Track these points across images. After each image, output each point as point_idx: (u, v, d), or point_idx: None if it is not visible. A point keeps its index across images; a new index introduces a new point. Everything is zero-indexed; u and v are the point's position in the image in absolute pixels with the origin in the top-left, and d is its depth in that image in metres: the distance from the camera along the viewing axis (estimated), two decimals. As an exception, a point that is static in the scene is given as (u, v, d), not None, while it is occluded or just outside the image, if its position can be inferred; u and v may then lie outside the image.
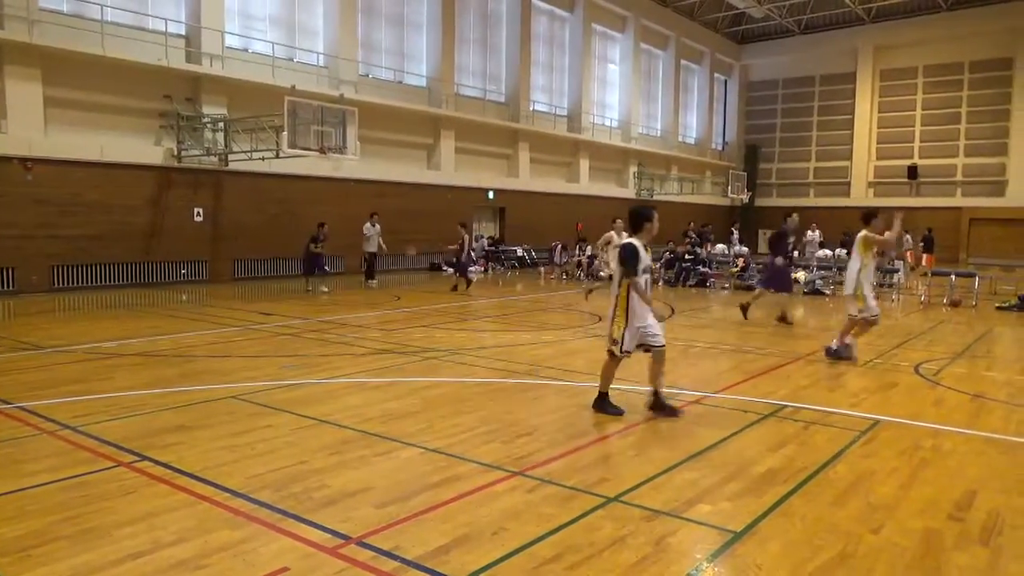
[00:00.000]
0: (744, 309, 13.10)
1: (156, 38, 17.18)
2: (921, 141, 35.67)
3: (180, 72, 17.45)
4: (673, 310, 14.61)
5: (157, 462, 4.92)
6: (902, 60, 35.94)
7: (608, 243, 13.47)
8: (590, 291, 15.94)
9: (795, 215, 12.84)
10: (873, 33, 36.08)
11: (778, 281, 12.72)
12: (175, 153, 17.44)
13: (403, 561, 3.54)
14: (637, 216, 6.46)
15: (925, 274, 19.22)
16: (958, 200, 34.13)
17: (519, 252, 24.75)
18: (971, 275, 17.22)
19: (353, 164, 19.05)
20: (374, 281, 18.19)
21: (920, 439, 5.85)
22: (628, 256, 6.17)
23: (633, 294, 6.18)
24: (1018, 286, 16.62)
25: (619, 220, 12.33)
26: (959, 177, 34.69)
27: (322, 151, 16.31)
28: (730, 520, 4.14)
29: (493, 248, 25.12)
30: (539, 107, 28.26)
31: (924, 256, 25.31)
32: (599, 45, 31.57)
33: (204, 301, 14.92)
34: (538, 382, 7.76)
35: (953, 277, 17.37)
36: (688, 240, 22.64)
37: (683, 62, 36.58)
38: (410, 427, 5.88)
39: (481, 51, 26.07)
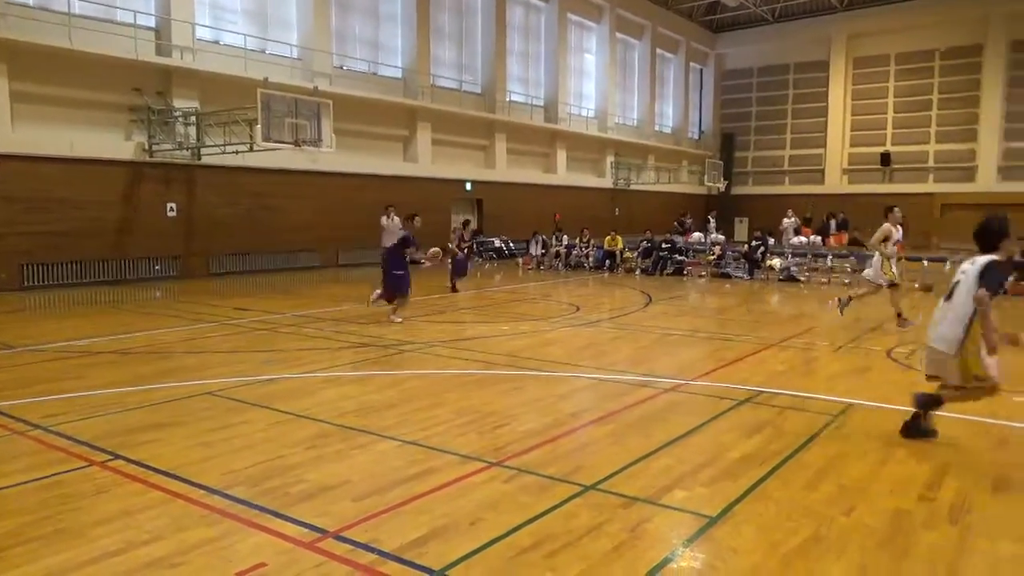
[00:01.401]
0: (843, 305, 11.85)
1: (125, 30, 16.89)
2: (893, 128, 36.06)
3: (150, 65, 17.19)
4: (651, 298, 14.69)
5: (131, 460, 4.87)
6: (874, 48, 36.27)
7: (887, 238, 11.00)
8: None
9: (896, 209, 11.96)
10: (846, 21, 36.37)
11: None
12: (146, 147, 17.20)
13: (381, 554, 3.55)
14: (994, 234, 5.20)
15: (913, 259, 19.37)
16: (930, 186, 34.59)
17: (497, 243, 24.74)
18: (942, 260, 17.47)
19: (329, 157, 18.91)
20: None
21: (892, 422, 5.93)
22: (996, 276, 5.05)
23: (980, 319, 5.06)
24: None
25: (897, 209, 11.35)
26: (931, 163, 35.14)
27: (297, 144, 16.15)
28: (706, 505, 4.19)
29: (475, 240, 25.09)
30: (515, 98, 28.21)
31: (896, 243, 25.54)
32: (575, 35, 31.55)
33: (178, 297, 14.76)
34: (516, 373, 7.77)
35: (925, 262, 17.63)
36: (679, 228, 22.79)
37: (659, 51, 36.66)
38: (387, 420, 5.87)
39: (456, 42, 25.95)
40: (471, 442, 5.31)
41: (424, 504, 4.16)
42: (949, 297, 5.24)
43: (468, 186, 25.46)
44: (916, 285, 16.35)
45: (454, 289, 15.51)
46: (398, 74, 23.73)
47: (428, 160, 24.16)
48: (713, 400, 6.58)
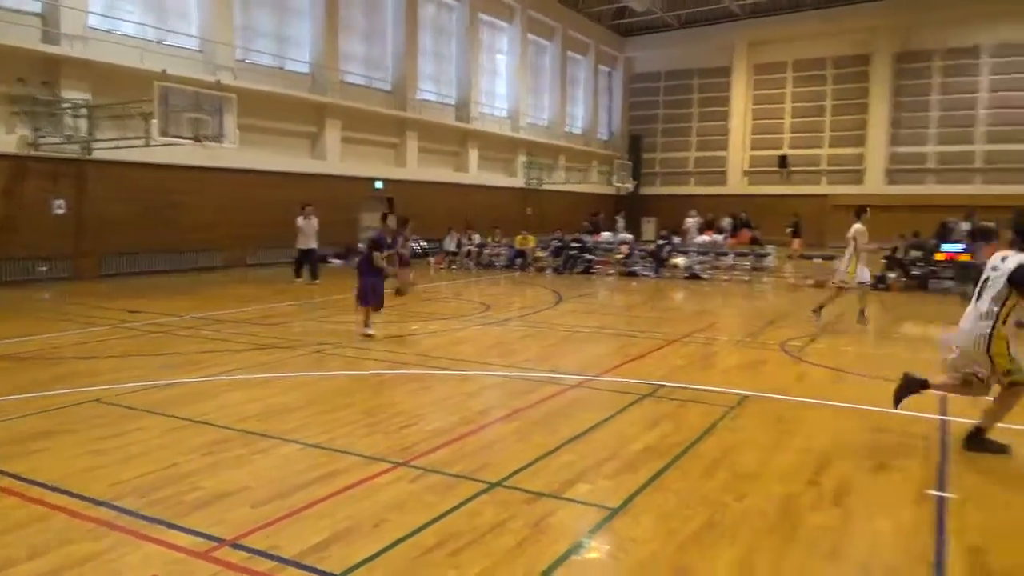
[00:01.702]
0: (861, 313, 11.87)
1: (7, 16, 15.81)
2: (791, 132, 37.80)
3: (34, 53, 16.13)
4: (560, 297, 14.90)
5: (7, 474, 4.57)
6: (773, 55, 37.90)
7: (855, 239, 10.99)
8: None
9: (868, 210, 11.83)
10: (747, 29, 37.87)
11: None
12: (31, 141, 16.14)
13: (280, 560, 3.46)
14: None
15: (791, 257, 20.41)
16: (823, 188, 36.43)
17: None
18: (832, 258, 18.46)
19: (233, 153, 18.24)
20: (317, 281, 16.33)
21: (783, 411, 6.24)
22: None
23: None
24: (874, 267, 17.92)
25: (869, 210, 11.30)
26: (824, 166, 37.02)
27: (198, 140, 15.51)
28: (608, 497, 4.29)
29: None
30: (427, 96, 28.03)
31: (795, 241, 26.97)
32: (487, 35, 31.61)
33: (68, 300, 13.93)
34: (425, 372, 7.74)
35: (819, 260, 18.60)
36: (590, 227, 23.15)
37: (569, 54, 37.19)
38: (291, 423, 5.73)
39: (366, 38, 25.54)
40: (377, 443, 5.26)
41: (327, 508, 4.09)
42: (978, 296, 5.17)
43: (379, 184, 25.12)
44: (810, 283, 17.21)
45: (399, 292, 14.28)
46: (306, 69, 23.16)
47: (337, 158, 23.70)
48: (617, 395, 6.74)
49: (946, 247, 16.03)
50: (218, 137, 15.77)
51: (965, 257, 16.37)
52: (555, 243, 21.33)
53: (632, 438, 5.42)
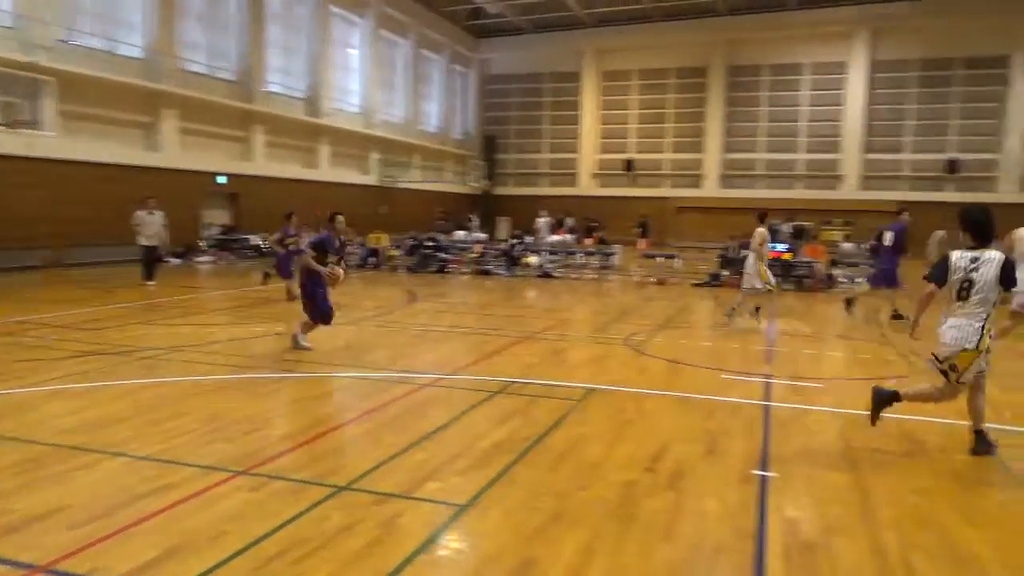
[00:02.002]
0: (849, 303, 13.03)
1: None
2: (637, 137, 39.70)
3: None
4: (414, 295, 14.83)
5: None
6: (620, 63, 39.64)
7: (762, 243, 11.41)
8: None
9: (905, 213, 13.13)
10: (596, 37, 39.33)
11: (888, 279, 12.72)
12: None
13: (102, 582, 3.21)
14: (987, 225, 5.19)
15: (639, 255, 21.45)
16: (666, 191, 38.58)
17: (254, 240, 23.39)
18: (673, 256, 19.61)
19: (54, 143, 16.68)
20: (152, 282, 15.00)
21: (626, 403, 6.55)
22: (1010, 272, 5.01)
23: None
24: (710, 265, 19.23)
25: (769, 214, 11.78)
26: (667, 170, 39.20)
27: (10, 126, 14.05)
28: (457, 494, 4.32)
29: (225, 236, 23.54)
30: (275, 88, 26.93)
31: (643, 240, 28.36)
32: (338, 29, 30.82)
33: None
34: (271, 376, 7.44)
35: (660, 259, 19.66)
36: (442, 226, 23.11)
37: (423, 52, 37.02)
38: (118, 435, 5.32)
39: (208, 24, 24.14)
40: (216, 451, 4.99)
41: (158, 523, 3.84)
42: (964, 296, 5.07)
43: (222, 179, 23.86)
44: (652, 280, 18.16)
45: (292, 296, 12.93)
46: (140, 54, 21.56)
47: (175, 150, 22.25)
48: (469, 393, 6.79)
49: (771, 246, 17.40)
50: (33, 124, 14.36)
51: (788, 256, 17.91)
52: (410, 242, 21.19)
53: (483, 435, 5.48)
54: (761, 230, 11.46)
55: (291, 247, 13.28)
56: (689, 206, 37.30)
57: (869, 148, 35.54)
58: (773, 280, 11.53)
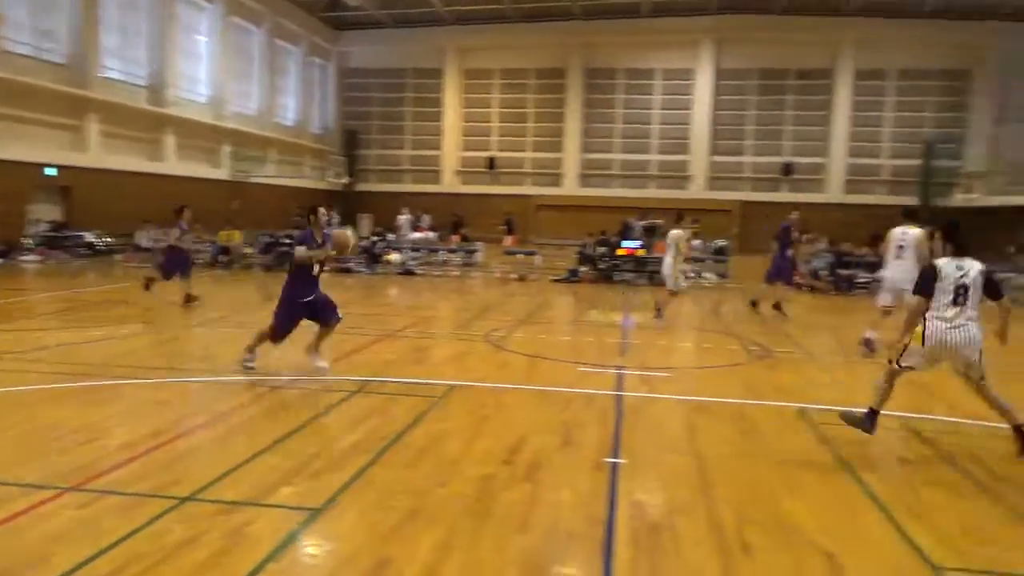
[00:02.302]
0: (754, 304, 13.30)
1: None
2: (499, 136, 40.18)
3: None
4: (270, 295, 14.24)
5: None
6: (482, 62, 39.94)
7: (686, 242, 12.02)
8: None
9: (795, 213, 13.64)
10: (457, 35, 39.37)
11: (783, 274, 13.35)
12: None
13: (-103, 620, 2.86)
14: (965, 236, 5.45)
15: (504, 252, 21.71)
16: (528, 189, 39.30)
17: (89, 238, 21.58)
18: (533, 253, 20.03)
19: None
20: None
21: (486, 398, 6.62)
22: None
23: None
24: (569, 261, 19.80)
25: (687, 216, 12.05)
26: (528, 169, 39.95)
27: None
28: (311, 498, 4.19)
29: (55, 233, 21.56)
30: (113, 74, 24.95)
31: (508, 238, 28.78)
32: (184, 13, 29.02)
33: None
34: (111, 383, 6.90)
35: (521, 256, 20.03)
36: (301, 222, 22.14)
37: (279, 42, 35.59)
38: (-78, 454, 4.76)
39: (32, 1, 22.03)
40: (40, 468, 4.57)
41: (-31, 549, 3.46)
42: (961, 302, 5.24)
43: (51, 171, 21.85)
44: (514, 276, 18.47)
45: (188, 299, 11.99)
46: (-51, 30, 19.34)
47: (-6, 139, 20.16)
48: (326, 393, 6.62)
49: (626, 243, 18.21)
50: None
51: (641, 252, 18.77)
52: (265, 239, 20.35)
53: (339, 436, 5.37)
54: (676, 231, 11.84)
55: (181, 245, 12.27)
56: (549, 204, 38.20)
57: (715, 151, 37.86)
58: (684, 282, 12.07)
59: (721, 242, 20.25)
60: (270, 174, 32.61)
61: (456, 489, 4.43)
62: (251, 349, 7.42)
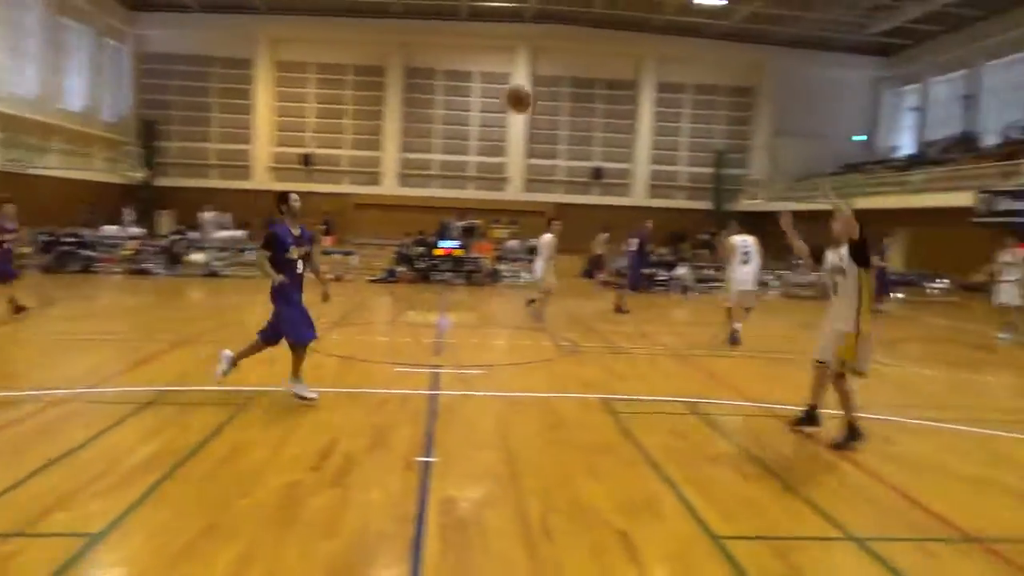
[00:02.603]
0: (619, 309, 13.70)
1: None
2: (315, 132, 38.88)
3: None
4: (50, 299, 12.81)
5: None
6: (297, 55, 38.41)
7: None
8: None
9: (649, 222, 14.99)
10: (270, 25, 37.57)
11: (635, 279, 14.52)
12: None
13: None
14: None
15: (323, 252, 20.98)
16: (346, 187, 38.38)
17: None
18: (351, 253, 19.61)
19: None
20: None
21: (295, 403, 6.36)
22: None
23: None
24: (387, 261, 19.60)
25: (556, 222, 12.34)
26: (346, 167, 39.05)
27: None
28: (90, 523, 3.81)
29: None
30: None
31: (326, 238, 27.93)
32: (-59, -23, 25.38)
33: None
34: None
35: (338, 256, 19.53)
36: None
37: (63, 19, 32.06)
38: None
39: None
40: None
41: None
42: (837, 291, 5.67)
43: None
44: (332, 277, 17.93)
45: (17, 309, 10.11)
46: None
47: None
48: (114, 407, 6.04)
49: (444, 243, 18.33)
50: None
51: (460, 252, 18.99)
52: (43, 238, 18.28)
53: (128, 452, 4.93)
54: (547, 236, 12.17)
55: (4, 244, 10.43)
56: (368, 203, 37.55)
57: (531, 154, 39.15)
58: (553, 280, 12.37)
59: (535, 241, 20.93)
60: (52, 165, 29.31)
61: (259, 499, 4.22)
62: (296, 374, 6.41)
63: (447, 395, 6.88)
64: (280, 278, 6.09)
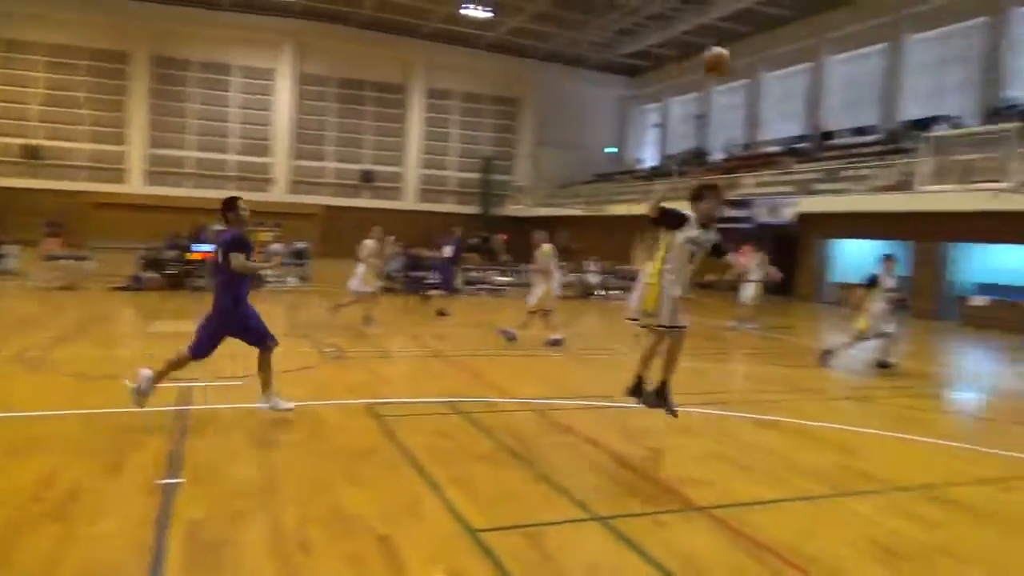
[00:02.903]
0: (441, 313, 14.28)
1: None
2: (42, 121, 34.30)
3: None
4: None
5: None
6: (19, 33, 33.58)
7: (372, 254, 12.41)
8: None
9: (457, 228, 15.91)
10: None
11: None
12: None
13: None
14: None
15: (47, 258, 18.45)
16: (81, 184, 34.32)
17: None
18: (84, 258, 17.52)
19: None
20: None
21: (10, 430, 5.56)
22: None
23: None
24: (132, 267, 17.75)
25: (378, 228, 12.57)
26: (83, 161, 34.90)
27: None
28: None
29: None
30: None
31: (52, 240, 24.73)
32: None
33: None
34: None
35: (69, 261, 17.35)
36: None
37: None
38: None
39: None
40: None
41: None
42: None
43: None
44: (57, 284, 15.98)
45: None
46: None
47: None
48: None
49: (198, 247, 17.03)
50: None
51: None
52: None
53: None
54: (367, 242, 12.39)
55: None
56: (109, 202, 33.85)
57: (298, 155, 37.77)
58: (379, 285, 12.66)
59: (300, 244, 20.22)
60: None
61: (-43, 544, 3.62)
62: (267, 385, 6.16)
63: (199, 409, 6.40)
64: (271, 264, 6.87)
